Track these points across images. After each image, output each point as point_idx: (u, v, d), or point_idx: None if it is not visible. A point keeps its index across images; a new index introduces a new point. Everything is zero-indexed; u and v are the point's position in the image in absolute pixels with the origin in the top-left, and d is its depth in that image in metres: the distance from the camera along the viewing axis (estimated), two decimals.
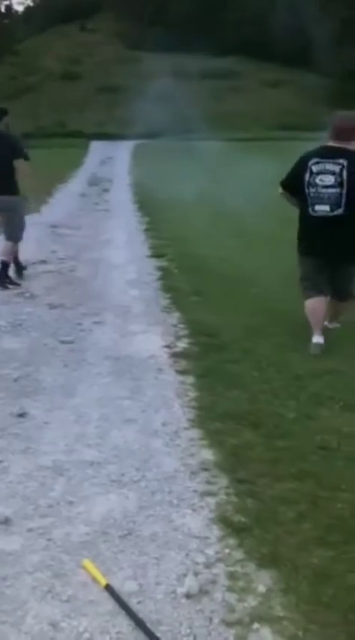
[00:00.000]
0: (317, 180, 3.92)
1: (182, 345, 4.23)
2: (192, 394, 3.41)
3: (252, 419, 3.05)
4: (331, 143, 3.93)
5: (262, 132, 33.34)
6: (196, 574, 2.04)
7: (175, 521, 2.31)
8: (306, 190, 3.98)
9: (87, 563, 2.07)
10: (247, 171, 18.40)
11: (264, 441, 2.85)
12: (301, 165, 4.02)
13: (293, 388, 3.44)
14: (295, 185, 4.06)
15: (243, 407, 3.18)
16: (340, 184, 3.85)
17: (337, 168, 3.85)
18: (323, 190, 3.91)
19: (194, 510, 2.38)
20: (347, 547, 2.15)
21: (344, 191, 3.84)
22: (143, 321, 4.84)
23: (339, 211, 3.89)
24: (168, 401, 3.34)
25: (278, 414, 3.13)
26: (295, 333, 4.34)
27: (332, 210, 3.90)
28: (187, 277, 6.27)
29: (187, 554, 2.13)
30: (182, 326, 4.67)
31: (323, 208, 3.93)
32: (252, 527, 2.26)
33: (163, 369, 3.81)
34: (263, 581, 2.01)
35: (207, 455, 2.77)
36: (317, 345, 4.02)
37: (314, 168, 3.93)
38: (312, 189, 3.96)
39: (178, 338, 4.39)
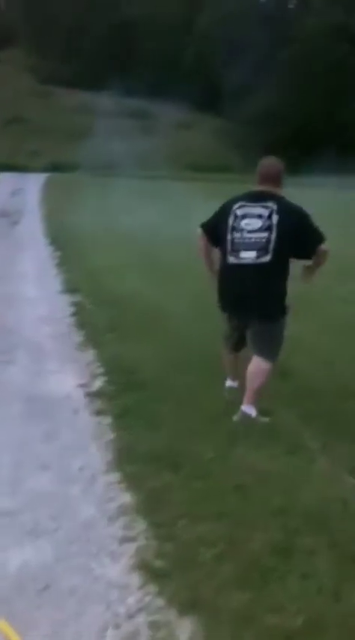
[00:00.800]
0: (243, 224, 3.56)
1: (98, 383, 4.18)
2: (110, 435, 3.37)
3: (171, 460, 3.05)
4: (258, 188, 3.67)
5: (173, 172, 34.23)
6: (117, 627, 1.99)
7: (95, 571, 2.25)
8: (229, 236, 3.60)
9: (0, 623, 1.96)
10: (160, 207, 18.80)
11: (183, 483, 2.85)
12: (225, 210, 3.68)
13: (210, 427, 3.48)
14: (217, 231, 3.70)
15: (162, 448, 3.17)
16: (268, 228, 3.49)
17: (265, 212, 3.52)
18: (249, 235, 3.53)
19: (113, 558, 2.33)
20: (265, 587, 2.18)
21: (273, 236, 3.47)
22: (57, 359, 4.74)
23: (266, 258, 3.48)
24: (85, 443, 3.28)
25: (196, 454, 3.15)
26: (211, 369, 4.41)
27: (258, 256, 3.50)
28: (102, 312, 6.24)
29: (108, 606, 2.08)
30: (98, 364, 4.62)
31: (249, 255, 3.52)
32: (171, 571, 2.25)
33: (79, 409, 3.74)
34: (184, 629, 1.99)
35: (126, 499, 2.73)
36: (229, 388, 4.00)
37: (239, 212, 3.59)
38: (237, 234, 3.57)
39: (94, 376, 4.33)
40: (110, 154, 34.23)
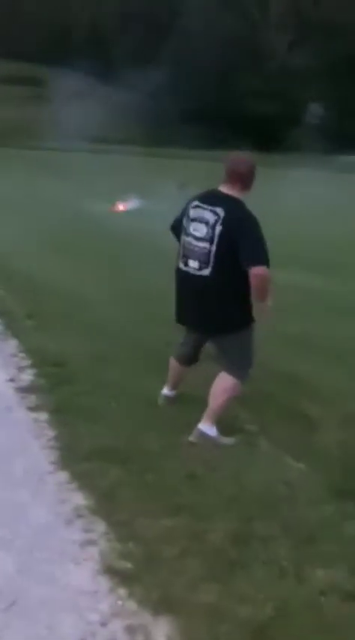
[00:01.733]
0: (191, 229, 3.23)
1: (27, 377, 4.03)
2: (50, 433, 3.27)
3: (118, 455, 3.02)
4: (220, 187, 3.24)
5: (69, 143, 33.13)
6: (93, 635, 1.97)
7: (61, 580, 2.19)
8: (182, 238, 3.31)
9: None
10: (59, 183, 18.21)
11: (134, 478, 2.84)
12: (185, 208, 3.35)
13: (152, 417, 3.49)
14: (179, 229, 3.40)
15: (107, 442, 3.14)
16: (210, 239, 3.13)
17: (212, 219, 3.14)
18: (196, 243, 3.20)
19: (77, 564, 2.29)
20: (232, 579, 2.24)
21: (214, 248, 3.12)
22: None
23: (206, 271, 3.15)
24: (26, 443, 3.16)
25: (141, 446, 3.14)
26: (142, 358, 4.40)
27: (200, 268, 3.18)
28: (17, 298, 6.00)
29: (80, 615, 2.04)
30: (22, 355, 4.44)
31: (193, 264, 3.22)
32: (138, 572, 2.25)
33: (12, 406, 3.59)
34: (161, 630, 2.01)
35: (79, 499, 2.68)
36: (164, 396, 3.68)
37: (192, 213, 3.25)
38: (187, 239, 3.27)
39: (21, 369, 4.17)
40: None
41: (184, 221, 3.32)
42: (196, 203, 3.28)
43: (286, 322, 5.24)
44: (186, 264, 3.29)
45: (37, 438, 3.22)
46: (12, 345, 4.69)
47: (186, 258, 3.29)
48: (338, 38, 41.98)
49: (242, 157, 3.37)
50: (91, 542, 2.40)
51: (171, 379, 3.68)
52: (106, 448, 3.08)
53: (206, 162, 20.03)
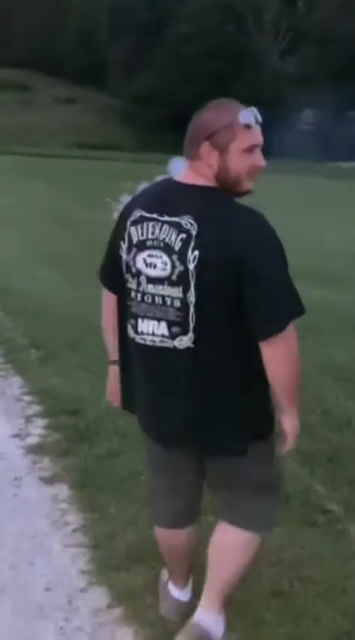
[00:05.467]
0: (140, 262, 1.66)
1: (37, 431, 3.20)
2: (74, 519, 2.44)
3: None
4: (179, 175, 1.67)
5: (58, 149, 32.37)
6: None
7: None
8: (127, 280, 1.71)
9: None
10: (51, 190, 17.41)
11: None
12: (119, 223, 1.75)
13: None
14: (112, 272, 1.77)
15: (151, 534, 2.31)
16: (180, 280, 1.60)
17: (175, 240, 1.60)
18: (151, 287, 1.65)
19: None
20: None
21: (191, 297, 1.59)
22: None
23: (184, 340, 1.62)
24: (43, 539, 2.33)
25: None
26: None
27: (172, 335, 1.63)
28: (17, 323, 5.16)
29: None
30: (29, 398, 3.61)
31: (151, 328, 1.65)
32: None
33: (21, 476, 2.76)
34: None
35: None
36: (179, 604, 1.96)
37: (134, 233, 1.68)
38: (132, 281, 1.69)
39: (29, 419, 3.33)
40: None
41: (124, 253, 1.69)
42: (140, 213, 1.66)
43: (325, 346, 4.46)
44: (137, 331, 1.67)
45: (56, 529, 2.39)
46: (15, 384, 3.85)
47: (135, 319, 1.68)
48: (330, 46, 41.85)
49: (217, 105, 1.67)
50: None
51: (174, 569, 1.97)
52: (153, 542, 2.26)
53: None
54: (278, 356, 1.57)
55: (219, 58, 39.18)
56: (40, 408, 3.46)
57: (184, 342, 1.60)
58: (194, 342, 1.59)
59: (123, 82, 37.06)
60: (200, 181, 1.62)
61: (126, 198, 1.75)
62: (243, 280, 1.53)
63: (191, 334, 1.60)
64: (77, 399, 3.54)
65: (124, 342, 1.74)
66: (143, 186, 1.76)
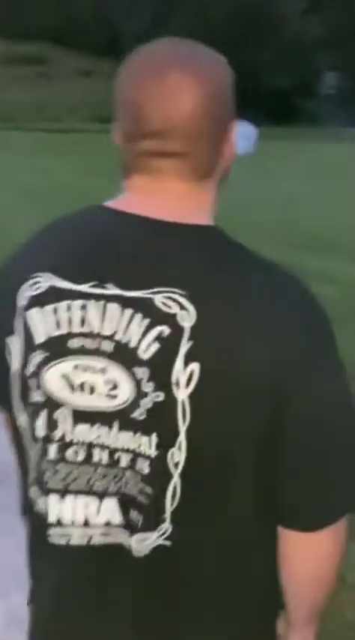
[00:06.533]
0: (55, 383, 0.83)
1: None
2: None
3: None
4: (138, 197, 0.91)
5: (79, 123, 32.34)
6: None
7: None
8: (18, 422, 0.90)
9: None
10: (70, 165, 17.59)
11: None
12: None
13: None
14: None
15: None
16: (159, 417, 0.80)
17: (141, 335, 0.79)
18: (82, 432, 0.85)
19: None
20: None
21: (179, 453, 0.80)
22: None
23: (148, 537, 0.85)
24: None
25: None
26: None
27: (127, 524, 0.85)
28: None
29: None
30: None
31: (79, 513, 0.86)
32: None
33: None
34: None
35: None
36: None
37: (39, 323, 0.83)
38: (36, 419, 0.86)
39: None
40: (7, 104, 31.90)
41: (12, 354, 0.86)
42: (50, 283, 0.84)
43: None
44: (50, 520, 0.88)
45: None
46: None
47: (47, 496, 0.87)
48: (352, 6, 40.65)
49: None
50: None
51: None
52: None
53: None
54: (316, 555, 0.88)
55: (239, 23, 38.52)
56: None
57: (151, 540, 0.85)
58: (170, 539, 0.85)
59: None
60: (193, 218, 0.85)
61: None
62: (285, 427, 0.81)
63: (166, 525, 0.84)
64: None
65: (32, 533, 0.95)
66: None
